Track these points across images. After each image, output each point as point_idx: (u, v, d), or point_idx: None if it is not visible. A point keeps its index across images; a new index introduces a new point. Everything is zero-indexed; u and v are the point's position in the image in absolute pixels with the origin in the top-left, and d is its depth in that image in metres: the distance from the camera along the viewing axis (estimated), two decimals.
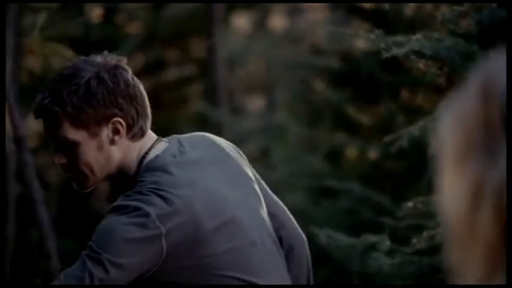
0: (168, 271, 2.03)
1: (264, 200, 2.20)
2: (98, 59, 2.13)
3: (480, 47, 2.61)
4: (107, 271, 2.00)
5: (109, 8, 7.00)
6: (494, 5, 2.64)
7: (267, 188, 2.28)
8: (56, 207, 6.86)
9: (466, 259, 0.92)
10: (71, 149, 2.09)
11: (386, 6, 4.73)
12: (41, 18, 3.96)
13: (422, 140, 2.82)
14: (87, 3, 6.88)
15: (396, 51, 2.76)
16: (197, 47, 7.21)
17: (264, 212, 2.18)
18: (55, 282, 2.06)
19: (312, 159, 5.13)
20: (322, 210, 4.69)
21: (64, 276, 2.04)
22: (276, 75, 6.57)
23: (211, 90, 6.39)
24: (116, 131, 2.09)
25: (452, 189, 0.94)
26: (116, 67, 2.11)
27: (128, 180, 2.11)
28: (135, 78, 2.14)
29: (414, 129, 2.79)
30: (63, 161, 2.11)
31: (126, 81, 2.10)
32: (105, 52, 2.16)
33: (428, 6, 4.22)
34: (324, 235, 3.35)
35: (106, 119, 2.08)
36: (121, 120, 2.08)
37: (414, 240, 2.91)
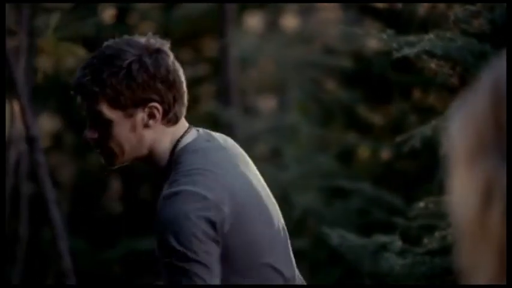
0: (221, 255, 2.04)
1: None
2: (141, 40, 2.12)
3: (493, 47, 2.61)
4: (205, 265, 1.99)
5: (121, 8, 7.02)
6: (507, 4, 2.63)
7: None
8: (68, 207, 6.88)
9: (477, 259, 0.92)
10: (104, 126, 2.09)
11: (399, 6, 4.73)
12: (54, 19, 3.97)
13: (434, 140, 2.81)
14: (100, 4, 6.90)
15: (408, 51, 2.75)
16: (209, 47, 7.21)
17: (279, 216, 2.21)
18: None
19: (324, 159, 5.12)
20: (334, 210, 4.68)
21: None
22: (288, 75, 6.56)
23: (223, 90, 6.39)
24: (151, 116, 2.09)
25: (463, 189, 0.93)
26: (158, 51, 2.11)
27: (161, 163, 2.11)
28: (176, 64, 2.14)
29: (426, 129, 2.79)
30: (95, 136, 2.11)
31: (167, 67, 2.10)
32: (149, 33, 2.15)
33: (441, 5, 4.20)
34: (336, 235, 3.34)
35: (143, 103, 2.08)
36: (158, 106, 2.09)
37: (426, 241, 2.91)
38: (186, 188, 2.01)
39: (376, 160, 5.11)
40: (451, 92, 3.15)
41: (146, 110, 2.08)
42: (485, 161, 0.92)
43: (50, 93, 6.92)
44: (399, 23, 4.57)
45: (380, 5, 5.00)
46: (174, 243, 1.99)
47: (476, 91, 0.95)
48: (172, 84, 2.10)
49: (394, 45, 2.80)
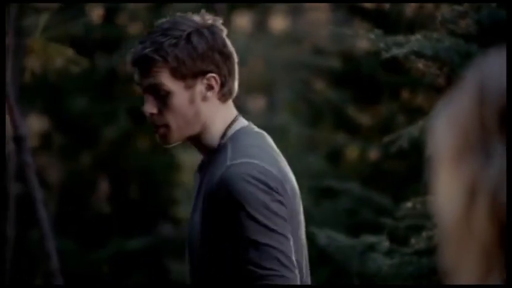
0: None
1: None
2: (196, 17, 2.15)
3: (480, 47, 2.61)
4: (284, 235, 2.00)
5: (110, 8, 7.01)
6: (493, 5, 2.64)
7: None
8: (56, 207, 6.86)
9: (462, 259, 0.92)
10: (165, 98, 2.11)
11: (387, 6, 4.73)
12: (43, 19, 3.96)
13: (421, 140, 2.82)
14: (89, 4, 6.88)
15: (396, 51, 2.76)
16: None
17: None
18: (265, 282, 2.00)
19: (313, 159, 5.13)
20: (323, 210, 4.68)
21: (258, 267, 1.99)
22: (277, 75, 6.56)
23: None
24: (209, 87, 2.12)
25: (448, 189, 0.93)
26: (214, 25, 2.14)
27: (211, 144, 2.13)
28: (229, 41, 2.17)
29: (414, 130, 2.79)
30: (154, 110, 2.12)
31: (223, 40, 2.14)
32: (203, 10, 2.19)
33: (429, 6, 4.21)
34: (324, 235, 3.35)
35: (202, 74, 2.11)
36: (216, 77, 2.11)
37: (413, 241, 2.91)
38: (249, 161, 2.04)
39: (365, 160, 5.11)
40: (439, 92, 3.16)
41: (204, 81, 2.11)
42: (470, 161, 0.92)
43: (38, 93, 6.91)
44: (387, 23, 4.58)
45: (368, 6, 5.01)
46: (249, 215, 1.99)
47: (461, 91, 0.95)
48: (228, 56, 2.14)
49: (382, 45, 2.80)
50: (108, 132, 7.14)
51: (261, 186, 2.00)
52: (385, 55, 2.77)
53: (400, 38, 2.81)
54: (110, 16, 7.09)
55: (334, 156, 5.21)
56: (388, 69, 5.00)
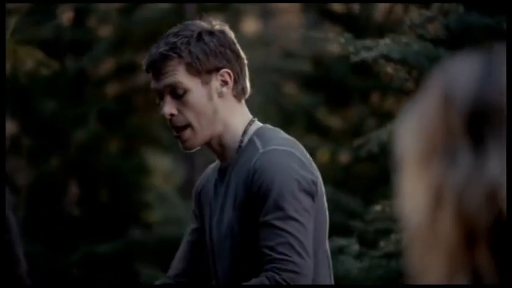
0: None
1: None
2: (204, 22, 2.22)
3: (448, 51, 2.64)
4: (302, 224, 2.03)
5: (79, 10, 6.97)
6: (461, 9, 2.67)
7: None
8: (24, 210, 6.81)
9: (427, 263, 0.93)
10: (183, 96, 2.15)
11: (357, 10, 4.76)
12: (13, 21, 3.94)
13: (390, 143, 2.84)
14: (59, 6, 6.84)
15: (365, 55, 2.78)
16: None
17: None
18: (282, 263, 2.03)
19: None
20: None
21: (271, 249, 2.02)
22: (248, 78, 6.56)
23: None
24: (224, 83, 2.16)
25: (413, 192, 0.94)
26: (222, 29, 2.22)
27: (232, 144, 2.17)
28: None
29: (383, 133, 2.81)
30: (174, 111, 2.15)
31: (233, 40, 2.21)
32: (210, 18, 2.26)
33: (398, 11, 4.24)
34: None
35: (216, 69, 2.16)
36: (230, 72, 2.17)
37: (382, 244, 2.93)
38: (281, 148, 2.09)
39: (336, 163, 5.13)
40: (408, 95, 3.18)
41: (219, 77, 2.16)
42: (435, 165, 0.93)
43: (7, 95, 6.85)
44: (357, 27, 4.60)
45: (338, 9, 5.03)
46: (275, 200, 2.03)
47: (426, 94, 0.96)
48: (238, 54, 2.21)
49: (352, 49, 2.82)
50: (78, 135, 7.10)
51: (292, 173, 2.05)
52: (355, 59, 2.78)
53: (369, 42, 2.83)
54: (79, 18, 7.05)
55: None
56: (358, 72, 5.03)
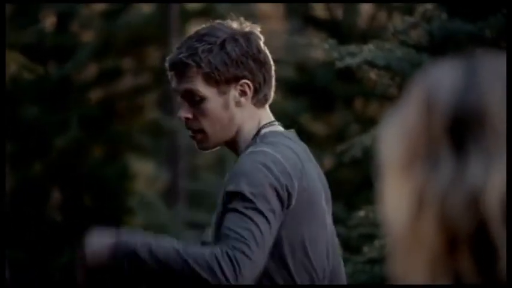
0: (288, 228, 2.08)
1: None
2: (234, 24, 2.20)
3: (430, 57, 2.65)
4: (268, 221, 2.03)
5: (62, 15, 6.95)
6: (444, 16, 2.68)
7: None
8: (6, 215, 6.77)
9: (408, 268, 0.93)
10: (199, 104, 2.15)
11: (341, 17, 4.78)
12: None
13: (374, 149, 2.84)
14: (41, 11, 6.82)
15: (349, 61, 2.78)
16: (152, 56, 7.19)
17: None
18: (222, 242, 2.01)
19: None
20: None
21: (230, 229, 2.01)
22: None
23: (166, 99, 6.37)
24: (243, 93, 2.16)
25: (395, 198, 0.94)
26: (251, 33, 2.19)
27: (242, 146, 2.17)
28: (266, 49, 2.21)
29: (366, 139, 2.82)
30: (189, 115, 2.16)
31: (259, 47, 2.18)
32: (241, 18, 2.23)
33: (381, 17, 4.26)
34: None
35: (236, 80, 2.15)
36: (249, 83, 2.15)
37: (366, 249, 2.93)
38: (265, 150, 2.09)
39: None
40: (391, 101, 3.19)
41: (238, 87, 2.15)
42: (417, 170, 0.93)
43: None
44: (341, 33, 4.62)
45: (322, 16, 5.05)
46: (245, 190, 2.03)
47: (408, 100, 0.96)
48: (263, 63, 2.18)
49: (336, 55, 2.82)
50: (60, 140, 7.07)
51: (264, 170, 2.04)
52: (339, 65, 2.79)
53: (353, 48, 2.83)
54: (62, 23, 7.03)
55: None
56: (341, 78, 5.04)
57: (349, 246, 3.14)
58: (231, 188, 2.05)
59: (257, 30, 2.20)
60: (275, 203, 2.04)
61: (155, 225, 6.55)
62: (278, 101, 5.71)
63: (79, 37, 7.09)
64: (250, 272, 1.99)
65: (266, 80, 2.18)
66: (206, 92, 2.14)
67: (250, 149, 2.10)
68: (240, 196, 2.04)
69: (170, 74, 2.19)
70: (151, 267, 2.05)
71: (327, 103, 5.24)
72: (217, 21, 2.22)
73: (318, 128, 5.40)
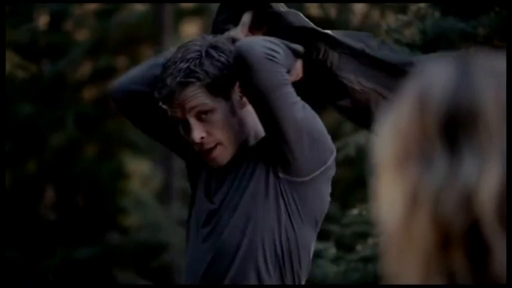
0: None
1: None
2: (198, 39, 2.24)
3: (424, 56, 2.65)
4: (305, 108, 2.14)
5: (56, 14, 6.95)
6: (437, 14, 2.69)
7: None
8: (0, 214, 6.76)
9: (403, 265, 0.93)
10: (209, 117, 2.16)
11: (334, 15, 4.78)
12: None
13: (368, 147, 2.85)
14: (35, 10, 6.82)
15: None
16: (146, 54, 7.18)
17: None
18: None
19: None
20: None
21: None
22: None
23: None
24: (242, 93, 2.19)
25: (389, 196, 0.95)
26: (221, 41, 2.23)
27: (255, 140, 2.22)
28: None
29: (360, 137, 2.82)
30: (203, 134, 2.16)
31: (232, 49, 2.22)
32: (202, 33, 2.29)
33: (374, 15, 4.26)
34: None
35: (233, 81, 2.17)
36: None
37: (359, 247, 2.94)
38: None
39: None
40: (385, 99, 3.19)
41: (236, 89, 2.18)
42: (411, 169, 0.93)
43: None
44: None
45: (316, 14, 5.06)
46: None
47: (402, 98, 0.97)
48: None
49: None
50: (54, 139, 7.07)
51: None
52: None
53: None
54: (56, 22, 7.03)
55: None
56: None
57: (343, 244, 3.14)
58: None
59: (222, 38, 2.24)
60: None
61: (148, 225, 6.55)
62: None
63: (73, 36, 7.08)
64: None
65: None
66: (213, 102, 2.15)
67: None
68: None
69: (170, 106, 2.16)
70: None
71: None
72: (179, 44, 2.24)
73: None
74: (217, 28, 2.29)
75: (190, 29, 8.21)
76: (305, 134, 2.11)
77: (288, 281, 2.12)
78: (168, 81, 2.16)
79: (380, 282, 2.87)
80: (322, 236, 3.49)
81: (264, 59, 2.07)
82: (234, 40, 2.21)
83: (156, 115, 2.21)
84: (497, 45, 2.60)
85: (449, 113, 0.92)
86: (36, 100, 6.99)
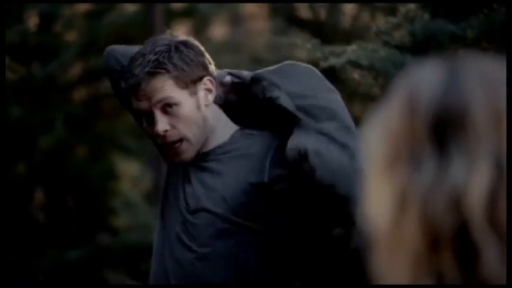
0: None
1: None
2: (168, 35, 2.26)
3: (413, 58, 2.66)
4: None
5: (45, 15, 6.93)
6: (426, 16, 2.70)
7: None
8: None
9: (391, 266, 0.93)
10: (174, 110, 2.17)
11: (324, 17, 4.79)
12: None
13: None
14: (25, 11, 6.80)
15: (333, 61, 2.79)
16: None
17: None
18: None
19: None
20: None
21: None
22: None
23: None
24: (208, 90, 2.21)
25: (378, 197, 0.95)
26: (190, 39, 2.26)
27: (223, 138, 2.24)
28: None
29: None
30: (168, 127, 2.17)
31: (200, 47, 2.25)
32: (171, 31, 2.30)
33: (364, 17, 4.27)
34: None
35: (200, 78, 2.20)
36: (211, 79, 2.22)
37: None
38: None
39: None
40: (374, 101, 3.20)
41: (203, 85, 2.20)
42: (400, 171, 0.94)
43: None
44: (324, 33, 4.63)
45: (305, 16, 5.06)
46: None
47: (391, 100, 0.97)
48: (210, 62, 2.26)
49: (319, 54, 2.83)
50: (44, 140, 7.05)
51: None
52: (322, 65, 2.80)
53: (336, 48, 2.84)
54: (45, 23, 7.01)
55: None
56: (326, 78, 5.04)
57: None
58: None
59: (191, 38, 2.27)
60: None
61: (138, 226, 6.54)
62: None
63: (63, 37, 7.07)
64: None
65: (215, 79, 2.23)
66: (179, 96, 2.16)
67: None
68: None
69: (136, 97, 2.17)
70: None
71: None
72: (148, 40, 2.27)
73: None
74: None
75: (182, 30, 8.21)
76: None
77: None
78: (136, 71, 2.17)
79: (369, 283, 2.87)
80: None
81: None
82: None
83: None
84: (485, 48, 2.61)
85: (439, 114, 0.93)
86: (26, 102, 6.97)
